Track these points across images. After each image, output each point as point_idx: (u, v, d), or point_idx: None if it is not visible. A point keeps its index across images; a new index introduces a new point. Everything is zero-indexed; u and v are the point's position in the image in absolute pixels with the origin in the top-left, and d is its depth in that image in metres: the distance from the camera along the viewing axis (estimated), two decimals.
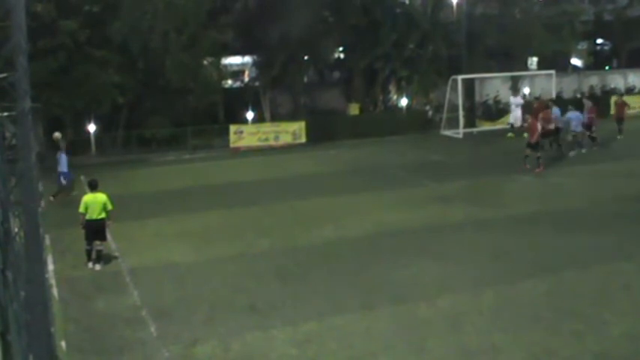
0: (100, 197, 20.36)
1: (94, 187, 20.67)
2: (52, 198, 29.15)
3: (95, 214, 20.16)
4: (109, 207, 20.38)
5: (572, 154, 35.17)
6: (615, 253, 19.99)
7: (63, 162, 29.72)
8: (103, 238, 20.53)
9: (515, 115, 44.29)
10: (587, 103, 41.09)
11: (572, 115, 36.14)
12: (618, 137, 40.77)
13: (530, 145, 31.83)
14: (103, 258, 20.43)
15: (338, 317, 16.00)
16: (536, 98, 45.83)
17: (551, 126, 34.26)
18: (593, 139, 37.34)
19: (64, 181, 29.69)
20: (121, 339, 15.33)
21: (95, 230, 20.23)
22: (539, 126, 31.83)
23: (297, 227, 24.16)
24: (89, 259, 20.30)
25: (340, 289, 17.86)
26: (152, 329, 15.79)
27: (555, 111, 35.25)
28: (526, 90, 56.90)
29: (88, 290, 18.46)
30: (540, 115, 33.99)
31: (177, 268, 20.04)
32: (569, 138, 35.81)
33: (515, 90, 48.90)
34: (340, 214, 25.77)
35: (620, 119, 42.03)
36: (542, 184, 29.66)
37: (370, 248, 21.33)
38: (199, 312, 16.66)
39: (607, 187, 28.33)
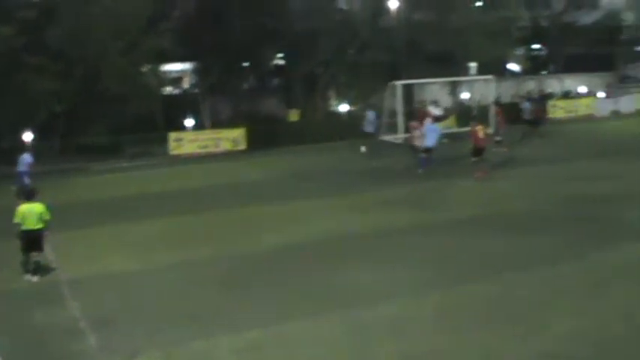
0: (37, 207, 19.74)
1: (30, 197, 20.09)
2: None
3: (32, 224, 19.54)
4: (46, 217, 19.76)
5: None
6: (555, 254, 20.07)
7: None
8: (40, 249, 19.92)
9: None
10: (494, 108, 41.75)
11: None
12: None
13: (474, 152, 31.94)
14: (40, 269, 19.95)
15: (282, 324, 15.78)
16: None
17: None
18: (497, 142, 37.62)
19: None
20: (60, 351, 14.95)
21: (32, 241, 19.62)
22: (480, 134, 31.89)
23: (240, 234, 23.94)
24: (26, 271, 19.73)
25: (284, 296, 17.67)
26: (92, 341, 15.41)
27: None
28: (465, 95, 57.42)
29: (25, 303, 18.02)
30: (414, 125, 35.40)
31: (118, 278, 19.68)
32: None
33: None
34: (282, 220, 25.63)
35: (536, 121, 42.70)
36: (483, 188, 29.76)
37: (313, 254, 21.17)
38: (141, 322, 16.34)
39: (546, 190, 28.56)
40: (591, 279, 18.08)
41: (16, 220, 19.63)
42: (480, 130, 31.99)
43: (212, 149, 43.44)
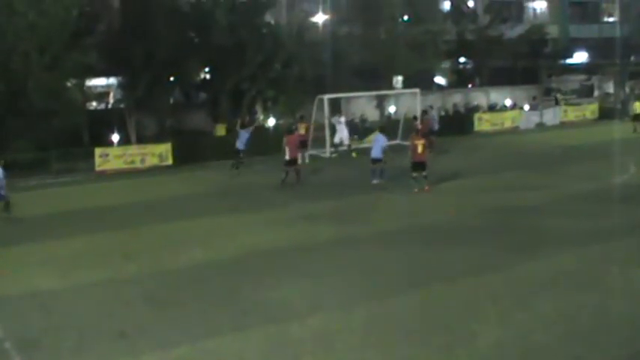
0: None
1: None
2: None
3: None
4: None
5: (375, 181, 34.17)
6: (482, 265, 20.49)
7: None
8: None
9: (342, 135, 44.87)
10: (419, 120, 42.49)
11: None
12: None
13: (414, 167, 31.88)
14: None
15: (209, 340, 15.88)
16: (301, 117, 46.06)
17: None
18: None
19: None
20: None
21: None
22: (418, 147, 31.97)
23: (166, 251, 23.91)
24: None
25: (211, 312, 17.76)
26: None
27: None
28: (391, 108, 58.00)
29: None
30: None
31: (43, 296, 19.56)
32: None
33: (339, 111, 49.64)
34: (208, 236, 25.68)
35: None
36: (409, 200, 30.13)
37: (240, 270, 21.29)
38: (67, 340, 16.29)
39: (472, 202, 29.04)
40: (516, 289, 18.50)
41: None
42: (420, 145, 31.84)
43: (138, 165, 43.23)
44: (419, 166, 31.57)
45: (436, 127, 45.02)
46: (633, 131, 50.64)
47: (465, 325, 16.16)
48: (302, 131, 43.24)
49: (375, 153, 33.91)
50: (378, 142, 34.27)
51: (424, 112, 46.47)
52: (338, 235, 24.90)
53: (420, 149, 31.66)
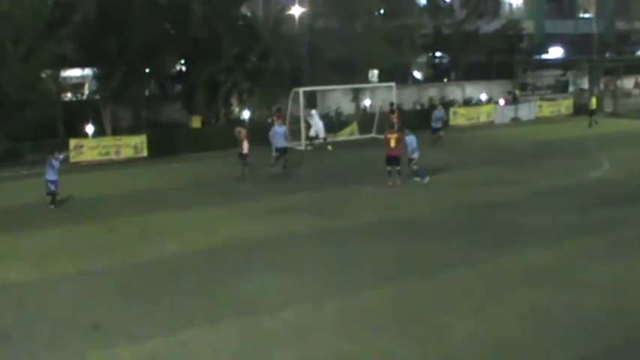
0: None
1: None
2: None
3: None
4: None
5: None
6: (456, 259, 20.68)
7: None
8: None
9: (317, 128, 44.90)
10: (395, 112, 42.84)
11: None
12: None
13: (387, 161, 31.95)
14: None
15: (183, 333, 15.94)
16: (278, 110, 45.77)
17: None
18: None
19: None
20: None
21: None
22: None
23: (140, 243, 23.92)
24: None
25: (185, 305, 17.80)
26: None
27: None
28: (367, 102, 58.04)
29: None
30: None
31: (15, 289, 19.52)
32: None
33: (314, 104, 49.70)
34: (183, 228, 25.68)
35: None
36: (385, 194, 30.20)
37: (214, 262, 21.34)
38: (40, 333, 16.29)
39: (447, 196, 29.21)
40: (490, 282, 18.70)
41: None
42: (393, 139, 31.92)
43: (113, 156, 43.05)
44: (392, 160, 31.63)
45: (439, 125, 44.87)
46: (588, 126, 51.23)
47: (440, 317, 16.34)
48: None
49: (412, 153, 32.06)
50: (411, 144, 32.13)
51: (391, 105, 46.91)
52: (314, 228, 25.03)
53: (392, 143, 31.73)
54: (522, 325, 15.77)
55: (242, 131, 36.36)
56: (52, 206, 29.54)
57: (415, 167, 32.04)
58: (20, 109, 41.27)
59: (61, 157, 30.48)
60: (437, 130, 44.49)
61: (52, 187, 29.62)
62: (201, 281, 19.57)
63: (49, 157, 30.08)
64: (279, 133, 36.96)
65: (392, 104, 47.44)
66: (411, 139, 32.07)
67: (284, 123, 43.40)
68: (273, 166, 36.29)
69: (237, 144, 35.94)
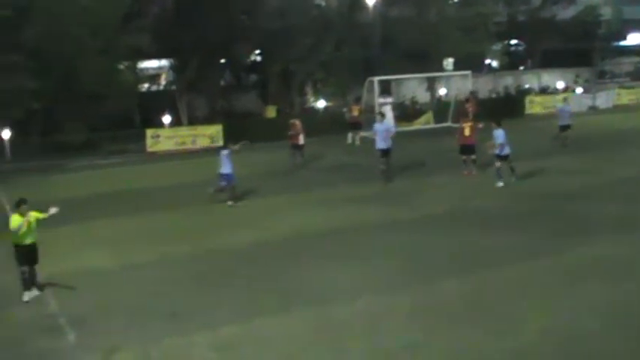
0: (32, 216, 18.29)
1: (19, 206, 18.23)
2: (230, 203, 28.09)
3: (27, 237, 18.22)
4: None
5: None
6: (529, 251, 20.34)
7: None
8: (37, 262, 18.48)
9: (389, 117, 44.83)
10: (470, 99, 42.09)
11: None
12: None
13: (462, 150, 31.75)
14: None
15: (257, 320, 16.06)
16: (357, 99, 45.72)
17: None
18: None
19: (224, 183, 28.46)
20: (39, 349, 15.18)
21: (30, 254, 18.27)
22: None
23: (215, 231, 24.17)
24: (25, 288, 18.19)
25: (259, 293, 17.93)
26: (70, 337, 15.67)
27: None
28: (442, 90, 57.78)
29: (3, 300, 18.18)
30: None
31: (95, 275, 19.88)
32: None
33: (387, 92, 49.55)
34: (258, 217, 25.89)
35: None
36: (458, 184, 29.95)
37: (288, 251, 21.44)
38: (118, 319, 16.58)
39: (521, 186, 28.76)
40: (565, 275, 18.35)
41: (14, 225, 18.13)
42: (467, 127, 31.64)
43: (189, 146, 43.55)
44: (467, 149, 31.37)
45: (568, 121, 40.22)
46: None
47: (513, 310, 16.13)
48: (355, 113, 43.50)
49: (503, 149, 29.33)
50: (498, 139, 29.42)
51: (472, 93, 46.50)
52: (387, 218, 24.94)
53: (467, 132, 31.47)
54: (597, 319, 15.43)
55: (296, 123, 36.37)
56: (231, 202, 27.96)
57: (512, 165, 29.41)
58: (98, 101, 41.87)
59: (236, 147, 29.40)
60: (566, 127, 39.33)
61: (224, 183, 28.26)
62: (276, 269, 19.70)
63: (221, 150, 29.20)
64: (379, 131, 31.48)
65: (472, 92, 47.18)
66: (498, 134, 29.32)
67: (360, 112, 43.50)
68: (383, 174, 31.08)
69: (292, 136, 36.00)
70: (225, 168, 28.11)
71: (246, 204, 27.80)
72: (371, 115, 43.62)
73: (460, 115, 36.22)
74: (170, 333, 15.60)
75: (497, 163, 29.17)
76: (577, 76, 64.08)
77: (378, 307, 16.61)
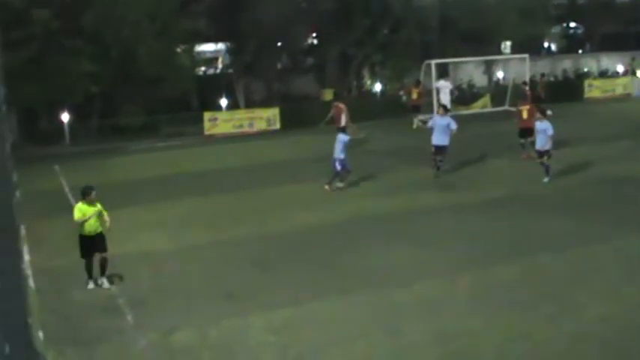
0: (97, 208, 17.83)
1: (87, 194, 17.76)
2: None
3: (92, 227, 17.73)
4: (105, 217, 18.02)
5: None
6: (590, 236, 20.13)
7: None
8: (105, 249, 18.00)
9: (445, 100, 44.61)
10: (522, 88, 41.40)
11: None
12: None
13: (520, 133, 31.25)
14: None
15: (314, 303, 16.11)
16: (418, 82, 44.93)
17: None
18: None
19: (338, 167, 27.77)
20: (98, 328, 15.34)
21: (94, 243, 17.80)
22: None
23: (273, 214, 24.21)
24: (90, 277, 17.88)
25: (316, 275, 17.96)
26: (129, 318, 15.83)
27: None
28: (500, 74, 57.28)
29: (64, 280, 18.41)
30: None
31: (154, 257, 20.06)
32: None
33: (445, 74, 49.18)
34: (315, 200, 25.89)
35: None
36: (516, 168, 29.73)
37: (345, 234, 21.42)
38: (176, 300, 16.71)
39: (580, 171, 28.47)
40: (624, 261, 18.17)
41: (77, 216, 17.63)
42: (525, 110, 31.25)
43: (246, 129, 43.64)
44: (525, 132, 30.93)
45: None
46: None
47: (571, 295, 16.00)
48: (414, 96, 43.35)
49: (540, 143, 27.02)
50: (544, 133, 26.88)
51: (542, 75, 46.12)
52: (445, 202, 24.90)
53: (525, 115, 31.09)
54: None
55: (339, 105, 36.19)
56: (341, 184, 27.45)
57: (547, 162, 26.90)
58: (156, 84, 42.09)
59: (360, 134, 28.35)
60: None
61: (339, 167, 27.26)
62: (332, 253, 19.69)
63: (340, 133, 27.97)
64: (438, 124, 28.67)
65: (543, 75, 46.79)
66: (544, 126, 26.85)
67: (419, 95, 43.28)
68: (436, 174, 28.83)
69: (335, 119, 35.74)
70: (340, 153, 27.25)
71: (343, 187, 27.47)
72: (429, 99, 43.56)
73: (520, 98, 35.75)
74: (227, 314, 15.71)
75: (540, 159, 27.20)
76: (633, 59, 62.94)
77: (437, 291, 16.59)
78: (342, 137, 27.42)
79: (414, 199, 25.49)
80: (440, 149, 28.44)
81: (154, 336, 14.80)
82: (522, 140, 31.04)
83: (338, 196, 26.25)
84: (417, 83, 44.40)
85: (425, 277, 17.44)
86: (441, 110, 29.98)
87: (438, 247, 19.74)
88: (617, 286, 16.49)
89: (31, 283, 18.12)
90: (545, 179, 26.90)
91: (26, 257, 20.00)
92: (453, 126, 28.49)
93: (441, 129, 28.37)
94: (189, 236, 22.09)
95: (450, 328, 14.56)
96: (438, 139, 28.38)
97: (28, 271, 18.83)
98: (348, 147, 27.42)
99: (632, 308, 15.25)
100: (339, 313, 15.60)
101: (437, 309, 15.53)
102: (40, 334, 14.89)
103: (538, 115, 28.11)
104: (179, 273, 18.76)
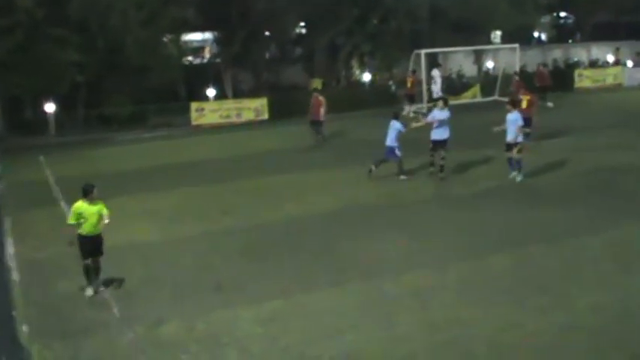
0: (99, 207, 17.16)
1: (88, 193, 17.13)
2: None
3: (92, 227, 16.95)
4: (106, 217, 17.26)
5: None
6: (582, 227, 20.16)
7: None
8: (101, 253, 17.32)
9: (434, 88, 44.58)
10: (514, 79, 41.33)
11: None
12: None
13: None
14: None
15: (304, 295, 16.06)
16: (413, 72, 44.94)
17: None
18: None
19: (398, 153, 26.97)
20: (85, 321, 15.25)
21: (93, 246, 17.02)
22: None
23: (262, 204, 24.12)
24: (89, 282, 16.97)
25: (306, 267, 17.91)
26: (115, 310, 15.74)
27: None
28: (490, 64, 57.23)
29: (49, 273, 18.32)
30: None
31: (141, 248, 19.96)
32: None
33: (435, 64, 49.19)
34: (304, 190, 25.79)
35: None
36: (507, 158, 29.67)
37: (335, 225, 21.35)
38: (164, 292, 16.65)
39: (571, 162, 28.41)
40: (617, 252, 18.15)
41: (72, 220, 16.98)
42: (525, 100, 30.98)
43: (234, 119, 43.50)
44: (524, 122, 30.74)
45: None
46: None
47: (562, 286, 16.03)
48: (408, 85, 43.37)
49: (511, 136, 26.00)
50: (514, 124, 25.96)
51: (544, 66, 46.38)
52: (436, 192, 24.93)
53: (524, 104, 30.79)
54: None
55: (318, 98, 35.71)
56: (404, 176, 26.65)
57: (518, 155, 25.81)
58: (143, 74, 41.90)
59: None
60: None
61: (392, 155, 26.60)
62: (322, 244, 19.63)
63: (394, 120, 26.92)
64: (438, 119, 26.88)
65: (543, 64, 47.03)
66: (514, 117, 25.88)
67: (412, 85, 43.30)
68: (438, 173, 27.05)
69: (312, 110, 35.39)
70: (395, 140, 26.46)
71: (409, 178, 26.96)
72: (419, 89, 43.59)
73: (518, 87, 35.87)
74: (215, 306, 15.66)
75: (517, 154, 25.87)
76: (617, 49, 62.93)
77: (428, 282, 16.57)
78: (397, 125, 26.64)
79: (404, 188, 25.42)
80: (440, 144, 26.80)
81: (141, 328, 14.72)
82: (527, 130, 30.83)
83: (327, 186, 26.17)
84: (413, 72, 44.32)
85: (416, 268, 17.41)
86: (441, 103, 27.60)
87: (429, 238, 19.72)
88: (608, 277, 16.51)
89: (14, 275, 18.02)
90: (518, 178, 25.73)
91: (11, 249, 19.89)
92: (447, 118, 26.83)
93: (441, 123, 26.72)
94: (177, 227, 21.97)
95: (440, 318, 14.56)
96: (438, 133, 26.72)
97: (12, 264, 18.72)
98: (401, 135, 26.61)
99: (624, 298, 15.24)
100: (329, 304, 15.54)
101: (427, 300, 15.50)
102: (25, 327, 14.80)
103: (508, 106, 26.78)
104: (167, 264, 18.65)
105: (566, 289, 15.84)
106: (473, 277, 16.81)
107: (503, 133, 26.06)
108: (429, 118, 27.65)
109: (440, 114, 26.98)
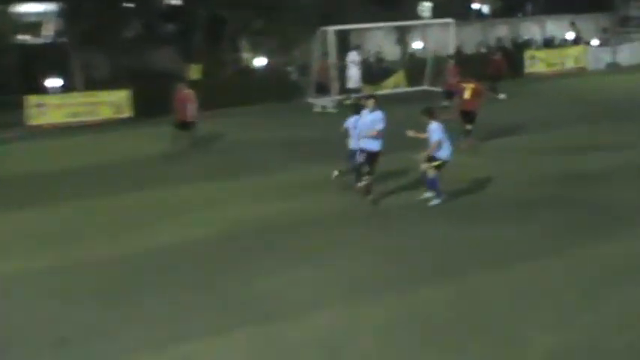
0: None
1: None
2: None
3: None
4: None
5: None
6: (539, 247, 20.45)
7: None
8: None
9: (351, 75, 44.99)
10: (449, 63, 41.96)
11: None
12: None
13: (463, 117, 31.61)
14: None
15: (179, 348, 15.66)
16: (324, 54, 46.31)
17: None
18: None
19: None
20: None
21: None
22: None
23: (123, 229, 23.78)
24: None
25: (182, 309, 17.60)
26: None
27: None
28: (418, 44, 57.79)
29: None
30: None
31: None
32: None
33: (354, 45, 49.79)
34: (182, 209, 25.63)
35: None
36: (449, 162, 29.73)
37: (222, 252, 21.20)
38: None
39: (526, 167, 28.95)
40: (581, 280, 18.40)
41: None
42: (468, 89, 31.61)
43: (86, 117, 43.21)
44: (467, 115, 31.54)
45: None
46: None
47: (514, 325, 16.04)
48: (317, 71, 43.86)
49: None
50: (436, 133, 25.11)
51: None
52: (352, 209, 24.91)
53: (467, 94, 31.32)
54: (620, 337, 15.36)
55: (184, 92, 35.41)
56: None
57: (432, 174, 24.89)
58: None
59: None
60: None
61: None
62: (205, 278, 19.43)
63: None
64: (363, 123, 25.90)
65: (502, 47, 47.80)
66: (434, 127, 25.25)
67: (323, 71, 43.58)
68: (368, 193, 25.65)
69: (179, 108, 35.05)
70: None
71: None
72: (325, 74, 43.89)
73: (454, 74, 36.42)
74: None
75: (431, 172, 24.92)
76: (572, 23, 64.28)
77: (340, 324, 16.45)
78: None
79: (312, 205, 25.51)
80: (369, 156, 25.42)
81: None
82: (469, 126, 31.16)
83: (212, 203, 26.11)
84: (323, 55, 44.53)
85: (326, 306, 17.29)
86: (371, 102, 26.26)
87: (344, 267, 19.70)
88: (571, 312, 16.64)
89: None
90: (433, 201, 24.87)
91: None
92: (379, 125, 25.53)
93: (367, 128, 25.57)
94: (7, 262, 21.31)
95: None
96: (365, 141, 25.50)
97: None
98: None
99: (588, 339, 15.33)
100: (214, 357, 15.33)
101: (340, 347, 15.34)
102: None
103: (424, 117, 25.87)
104: None
105: (518, 328, 15.85)
106: (398, 316, 16.71)
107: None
108: (351, 123, 26.78)
109: (367, 115, 25.82)
